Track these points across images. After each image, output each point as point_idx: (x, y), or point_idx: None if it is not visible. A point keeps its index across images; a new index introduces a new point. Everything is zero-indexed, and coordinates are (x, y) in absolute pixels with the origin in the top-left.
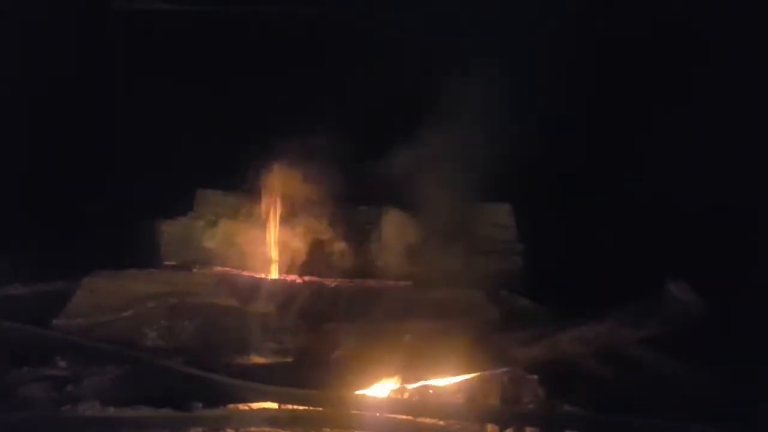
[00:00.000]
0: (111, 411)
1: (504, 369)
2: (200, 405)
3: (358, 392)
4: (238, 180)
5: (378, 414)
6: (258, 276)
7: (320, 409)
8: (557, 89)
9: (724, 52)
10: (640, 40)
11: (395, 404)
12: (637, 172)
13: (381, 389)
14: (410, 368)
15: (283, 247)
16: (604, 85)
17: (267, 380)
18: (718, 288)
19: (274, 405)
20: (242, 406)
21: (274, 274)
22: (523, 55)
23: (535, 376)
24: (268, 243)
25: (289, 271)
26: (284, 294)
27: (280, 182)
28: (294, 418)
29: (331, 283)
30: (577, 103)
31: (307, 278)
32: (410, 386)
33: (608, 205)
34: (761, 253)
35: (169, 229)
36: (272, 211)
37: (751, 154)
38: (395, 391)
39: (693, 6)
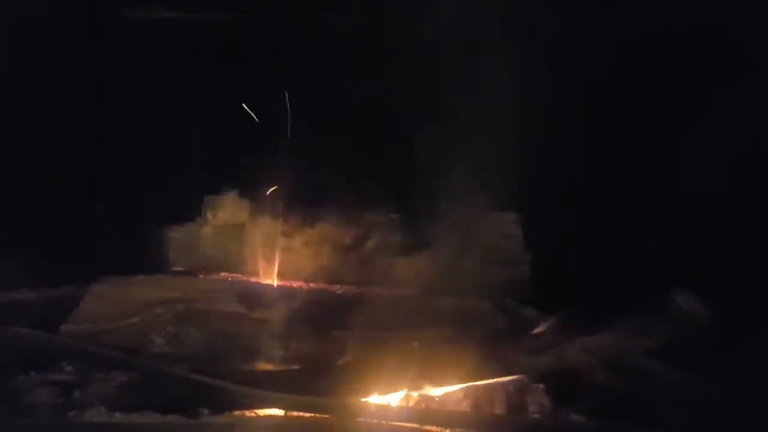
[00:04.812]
0: (117, 417)
1: (510, 378)
2: (206, 411)
3: (364, 400)
4: (246, 186)
5: (384, 421)
6: (265, 283)
7: (326, 416)
8: (567, 98)
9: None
10: (649, 45)
11: (401, 412)
12: (643, 182)
13: (387, 397)
14: (416, 376)
15: (290, 253)
16: (612, 93)
17: (273, 387)
18: (724, 298)
19: (280, 412)
20: (248, 413)
21: (281, 280)
22: (532, 62)
23: (541, 385)
24: (275, 250)
25: (296, 278)
26: (291, 301)
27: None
28: (300, 425)
29: (337, 290)
30: (587, 112)
31: (313, 285)
32: (416, 394)
33: (615, 215)
34: None
35: (177, 236)
36: (279, 217)
37: (757, 159)
38: (401, 399)
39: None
